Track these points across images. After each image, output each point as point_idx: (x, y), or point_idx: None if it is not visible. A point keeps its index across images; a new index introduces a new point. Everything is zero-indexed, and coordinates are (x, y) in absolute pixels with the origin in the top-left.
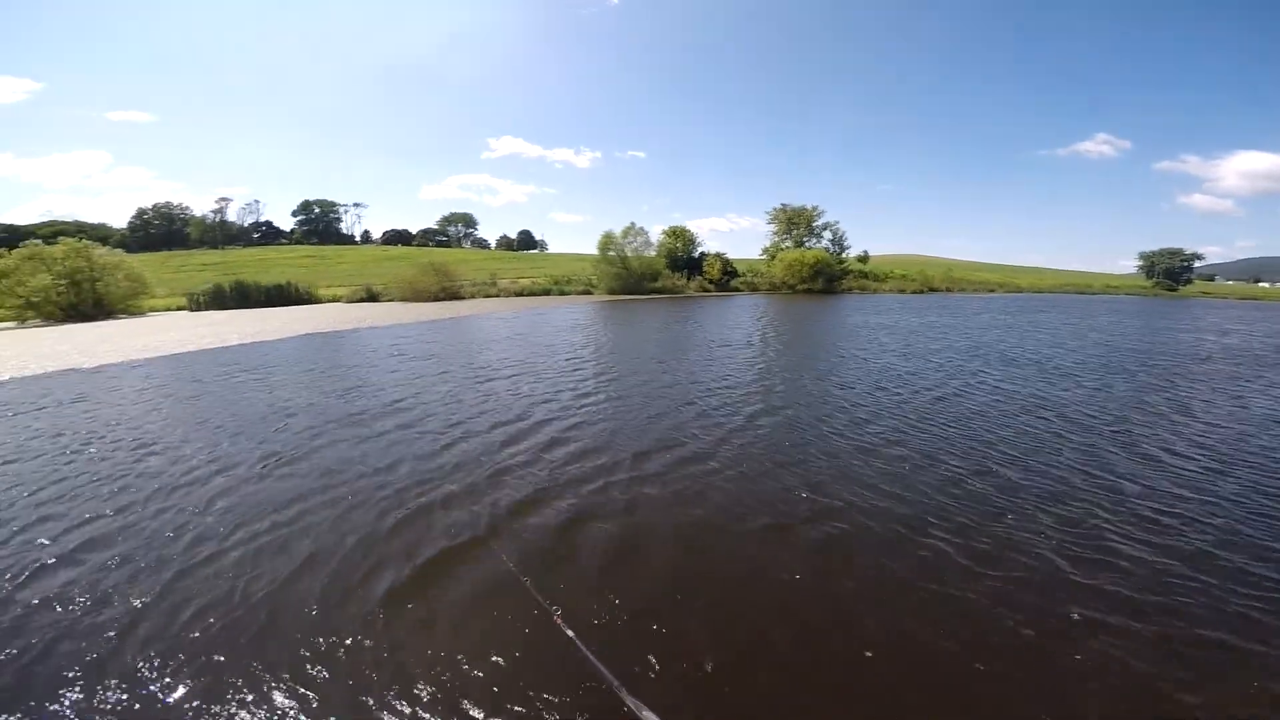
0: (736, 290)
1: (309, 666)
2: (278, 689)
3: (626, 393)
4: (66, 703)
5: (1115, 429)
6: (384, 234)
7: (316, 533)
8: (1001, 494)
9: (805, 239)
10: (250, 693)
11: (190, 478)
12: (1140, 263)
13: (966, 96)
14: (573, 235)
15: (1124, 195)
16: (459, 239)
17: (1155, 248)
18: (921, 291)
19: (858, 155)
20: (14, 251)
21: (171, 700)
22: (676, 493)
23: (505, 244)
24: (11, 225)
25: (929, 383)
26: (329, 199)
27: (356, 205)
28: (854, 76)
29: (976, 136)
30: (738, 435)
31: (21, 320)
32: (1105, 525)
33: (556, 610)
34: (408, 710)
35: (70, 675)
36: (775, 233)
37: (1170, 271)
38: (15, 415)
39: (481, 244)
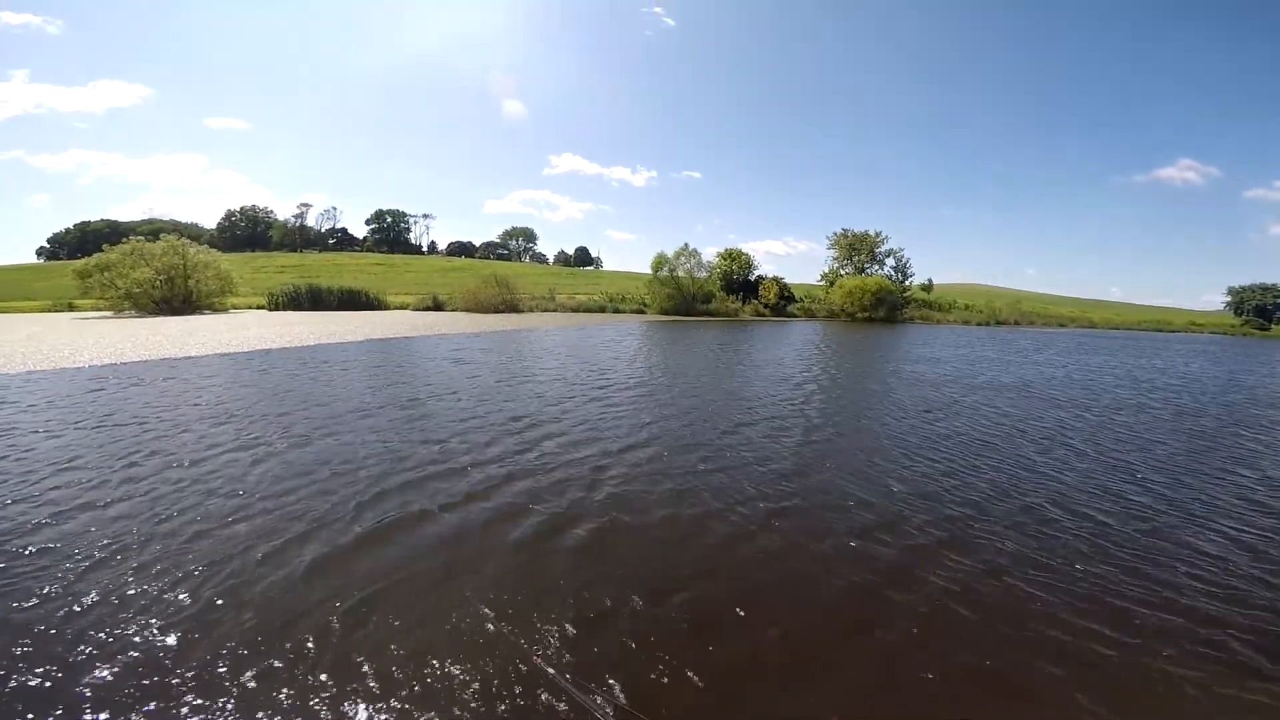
0: (793, 316)
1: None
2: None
3: (675, 414)
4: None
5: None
6: (449, 245)
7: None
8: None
9: (867, 265)
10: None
11: (252, 449)
12: (1228, 298)
13: (1037, 119)
14: (626, 253)
15: (1210, 225)
16: (519, 253)
17: (1246, 282)
18: (987, 323)
19: (922, 180)
20: (116, 247)
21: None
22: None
23: (563, 260)
24: (115, 221)
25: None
26: (400, 209)
27: (426, 216)
28: (918, 98)
29: (1048, 160)
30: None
31: (118, 310)
32: None
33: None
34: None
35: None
36: (835, 258)
37: (1261, 309)
38: (121, 389)
39: (540, 259)
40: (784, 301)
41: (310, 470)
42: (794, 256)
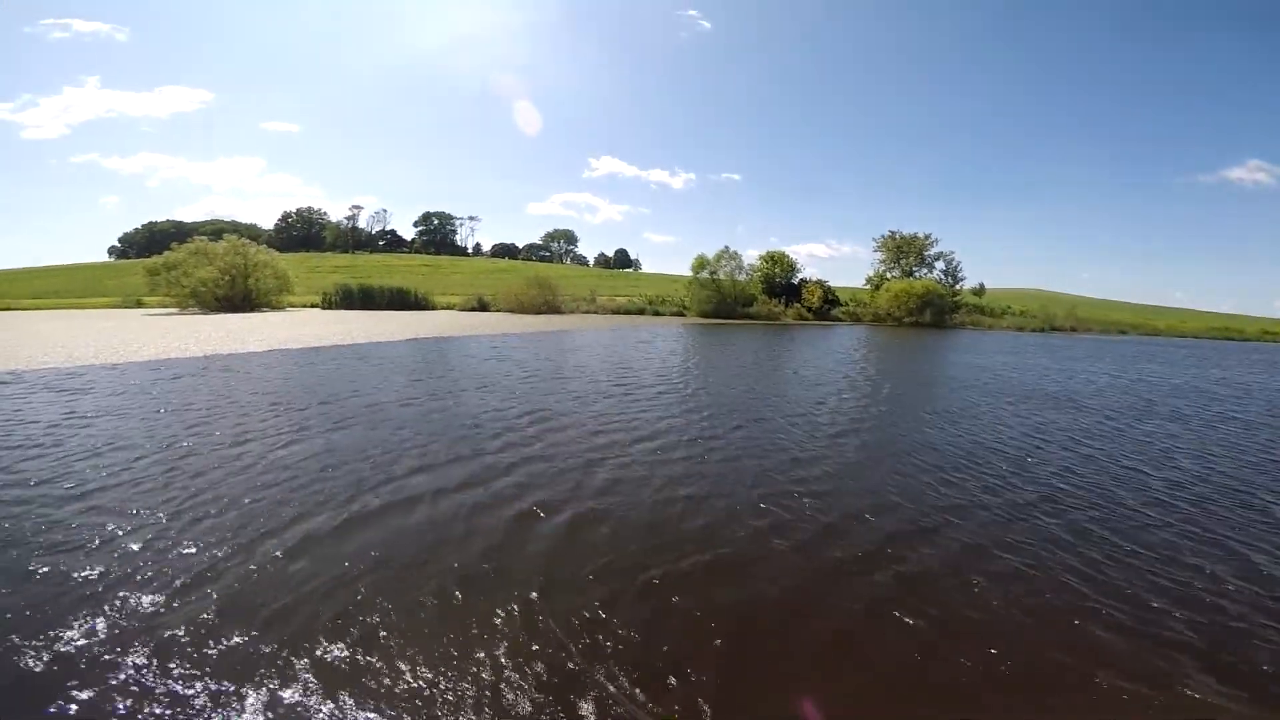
0: (837, 320)
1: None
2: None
3: (720, 419)
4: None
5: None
6: (493, 247)
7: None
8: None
9: (915, 268)
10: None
11: (301, 429)
12: None
13: (1094, 117)
14: (665, 256)
15: None
16: (560, 255)
17: None
18: (1042, 329)
19: (973, 181)
20: (183, 246)
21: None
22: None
23: (602, 262)
24: (180, 222)
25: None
26: (447, 211)
27: (471, 218)
28: (969, 97)
29: (1104, 160)
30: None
31: (183, 307)
32: None
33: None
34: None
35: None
36: (882, 261)
37: None
38: (183, 380)
39: (580, 260)
40: (828, 305)
41: (341, 454)
42: (838, 259)
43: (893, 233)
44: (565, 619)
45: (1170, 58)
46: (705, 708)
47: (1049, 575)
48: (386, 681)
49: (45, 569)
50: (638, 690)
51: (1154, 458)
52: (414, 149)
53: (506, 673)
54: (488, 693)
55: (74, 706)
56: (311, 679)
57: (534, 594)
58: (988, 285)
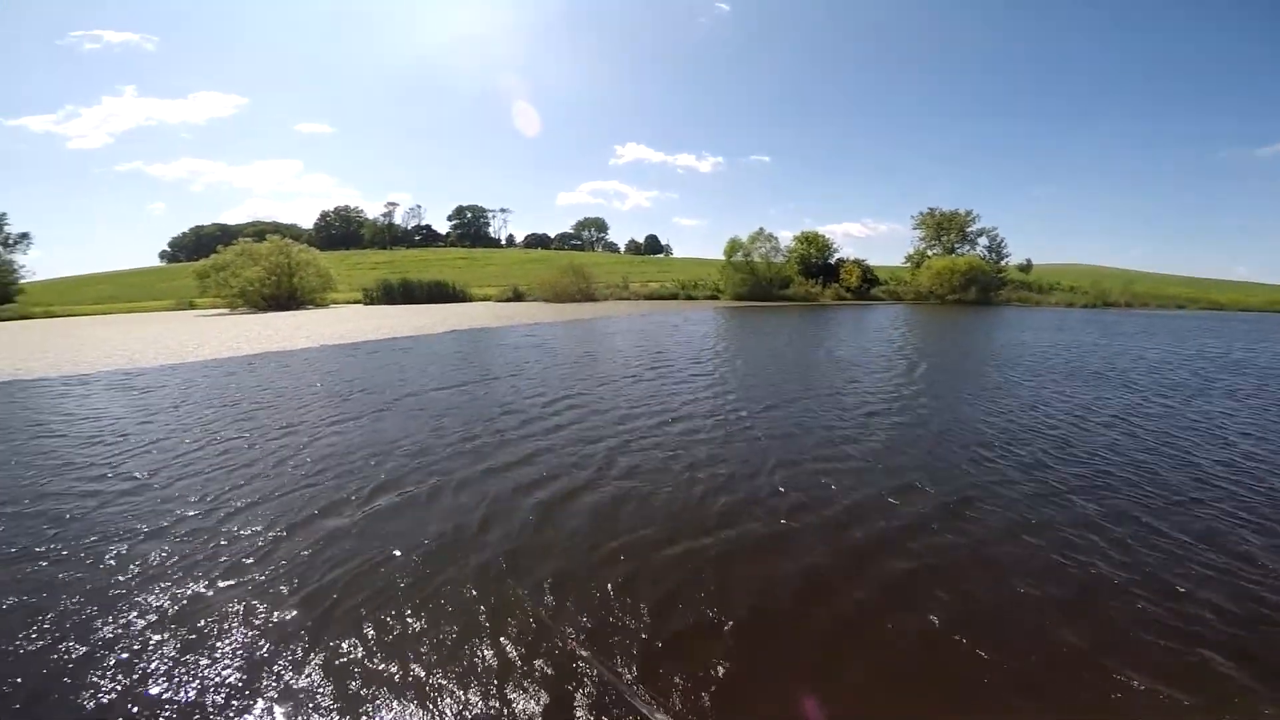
0: (876, 299)
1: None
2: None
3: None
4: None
5: None
6: (525, 238)
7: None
8: None
9: (957, 245)
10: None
11: (349, 416)
12: None
13: (1140, 89)
14: (694, 240)
15: None
16: (591, 243)
17: None
18: (1094, 305)
19: (1012, 157)
20: (228, 248)
21: None
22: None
23: (633, 248)
24: (224, 225)
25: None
26: (479, 204)
27: (503, 210)
28: (1005, 69)
29: (1150, 133)
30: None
31: (233, 308)
32: None
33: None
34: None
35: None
36: (922, 238)
37: None
38: (241, 374)
39: (611, 248)
40: (867, 284)
41: (383, 442)
42: (875, 238)
43: (932, 209)
44: (579, 601)
45: (1231, 23)
46: (712, 696)
47: (1080, 564)
48: (399, 661)
49: (112, 550)
50: (644, 675)
51: (1205, 438)
52: (443, 144)
53: (515, 658)
54: (495, 680)
55: (126, 678)
56: (350, 652)
57: (550, 578)
58: (1034, 262)
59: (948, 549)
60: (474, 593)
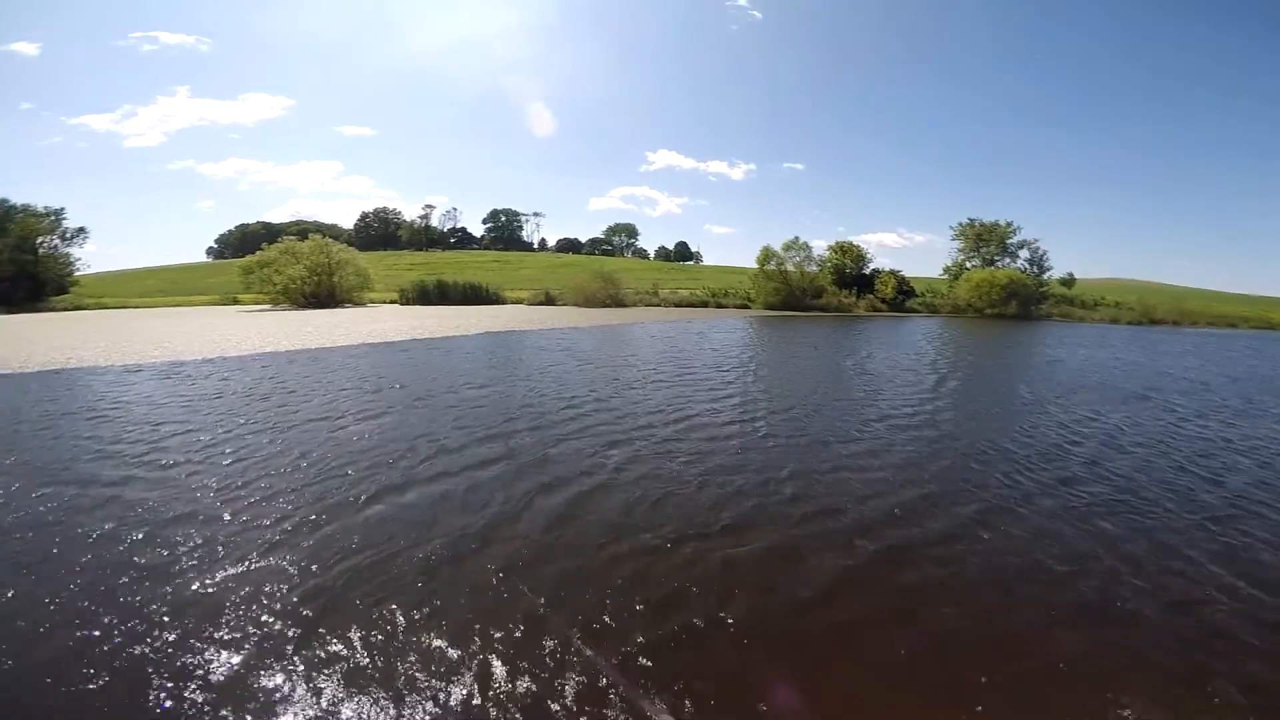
0: (912, 311)
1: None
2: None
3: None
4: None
5: None
6: (557, 242)
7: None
8: None
9: (997, 258)
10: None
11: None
12: None
13: (1185, 102)
14: (725, 247)
15: None
16: (622, 249)
17: None
18: (1140, 323)
19: (1054, 168)
20: (272, 246)
21: None
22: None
23: (663, 255)
24: (269, 223)
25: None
26: (513, 208)
27: (536, 214)
28: (1048, 79)
29: (1198, 142)
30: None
31: (275, 304)
32: None
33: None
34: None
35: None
36: (960, 250)
37: None
38: (279, 367)
39: (641, 254)
40: (903, 296)
41: (409, 433)
42: (910, 249)
43: (972, 220)
44: (581, 599)
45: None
46: (713, 694)
47: (1087, 583)
48: (394, 654)
49: (159, 532)
50: (643, 671)
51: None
52: (479, 147)
53: (514, 651)
54: (487, 680)
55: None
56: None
57: (555, 577)
58: (1078, 276)
59: (954, 561)
60: (477, 588)
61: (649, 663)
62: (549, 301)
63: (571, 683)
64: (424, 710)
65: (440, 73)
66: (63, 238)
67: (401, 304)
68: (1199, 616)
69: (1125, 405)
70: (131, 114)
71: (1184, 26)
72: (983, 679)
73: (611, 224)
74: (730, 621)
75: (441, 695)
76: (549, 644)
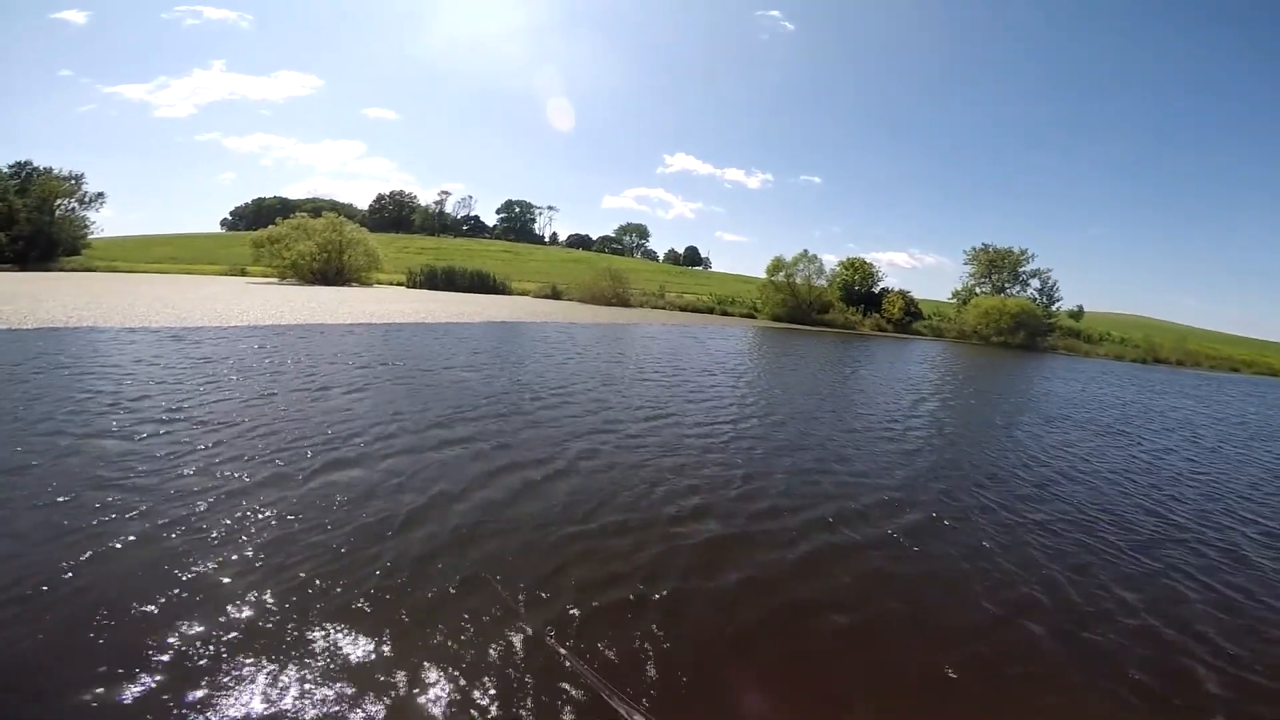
0: (918, 334)
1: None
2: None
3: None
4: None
5: None
6: (568, 237)
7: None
8: None
9: (1007, 285)
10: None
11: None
12: None
13: (1197, 132)
14: (735, 255)
15: None
16: (632, 249)
17: None
18: (1143, 361)
19: (1068, 195)
20: (285, 221)
21: None
22: None
23: (672, 258)
24: (285, 199)
25: None
26: (527, 200)
27: (550, 208)
28: (1065, 103)
29: (1216, 178)
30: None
31: (283, 278)
32: None
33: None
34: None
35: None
36: (971, 274)
37: None
38: (279, 338)
39: (650, 255)
40: (909, 318)
41: (384, 410)
42: (920, 270)
43: (985, 245)
44: (518, 579)
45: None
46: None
47: (1008, 594)
48: (328, 628)
49: (85, 492)
50: (556, 649)
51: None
52: (499, 138)
53: (463, 629)
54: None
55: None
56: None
57: (495, 558)
58: (1087, 309)
59: (884, 563)
60: (398, 564)
61: (567, 634)
62: (555, 296)
63: (478, 653)
64: (325, 674)
65: (467, 62)
66: (81, 201)
67: (409, 287)
68: (1097, 631)
69: (1098, 438)
70: (165, 85)
71: (1211, 68)
72: (909, 664)
73: (623, 223)
74: (658, 599)
75: (346, 661)
76: (462, 617)
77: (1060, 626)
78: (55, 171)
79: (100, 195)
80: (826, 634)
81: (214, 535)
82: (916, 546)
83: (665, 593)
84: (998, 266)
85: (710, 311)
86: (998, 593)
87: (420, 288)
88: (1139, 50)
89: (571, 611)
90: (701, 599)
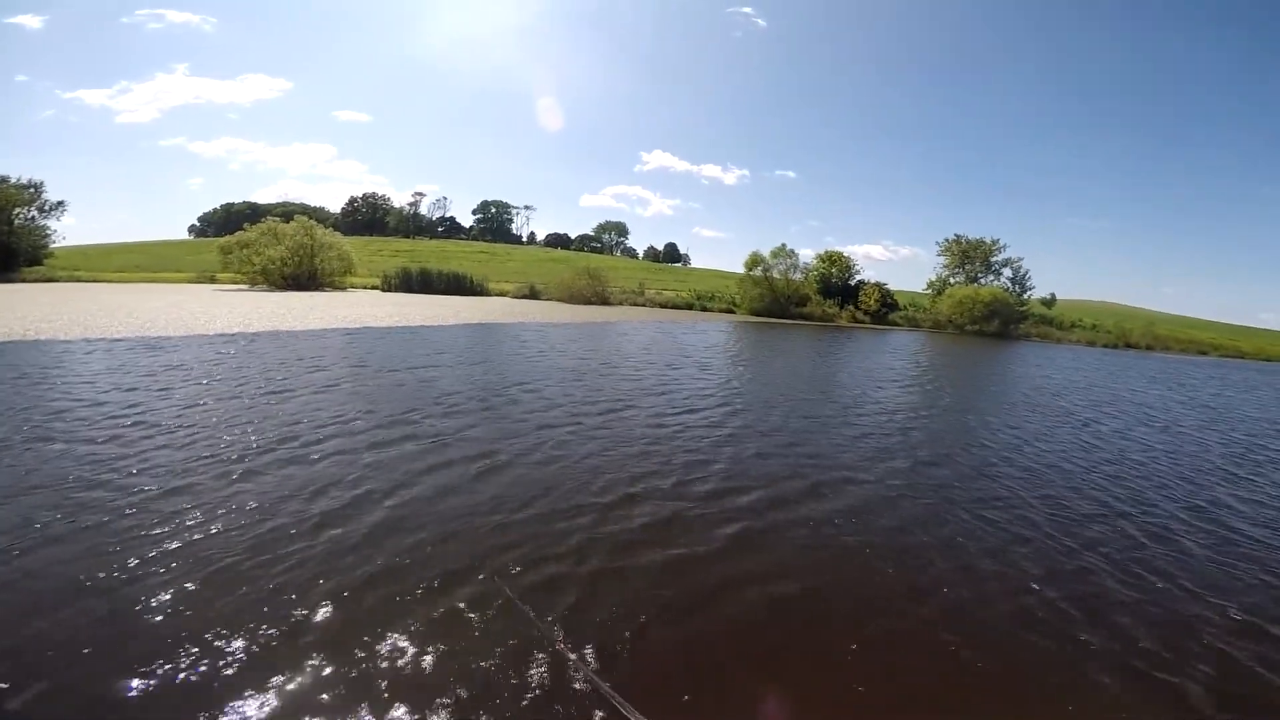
0: (894, 325)
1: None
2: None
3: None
4: None
5: None
6: (546, 236)
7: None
8: None
9: (980, 275)
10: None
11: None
12: None
13: (1174, 126)
14: (714, 251)
15: None
16: (611, 247)
17: None
18: (1115, 346)
19: (1044, 186)
20: (254, 226)
21: None
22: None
23: (652, 255)
24: (255, 203)
25: None
26: (504, 200)
27: (527, 208)
28: (1040, 96)
29: (1185, 167)
30: None
31: (253, 284)
32: None
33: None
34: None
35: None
36: (945, 265)
37: None
38: (249, 345)
39: (630, 253)
40: (886, 309)
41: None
42: (895, 262)
43: (958, 237)
44: (459, 566)
45: (1259, 57)
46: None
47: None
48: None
49: (22, 498)
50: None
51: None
52: (473, 138)
53: (352, 606)
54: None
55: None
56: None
57: (435, 543)
58: (1059, 297)
59: (819, 537)
60: (337, 551)
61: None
62: (534, 296)
63: (412, 633)
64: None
65: (440, 63)
66: (41, 210)
67: (383, 290)
68: (1013, 604)
69: (1050, 420)
70: (127, 90)
71: (1186, 51)
72: (839, 632)
73: (602, 221)
74: (585, 574)
75: (271, 641)
76: (395, 598)
77: (961, 603)
78: (13, 180)
79: (61, 203)
80: (761, 605)
81: (150, 532)
82: (842, 523)
83: (593, 568)
84: (970, 257)
85: (689, 308)
86: (911, 567)
87: (395, 290)
88: (1118, 42)
89: (509, 583)
90: (628, 575)
